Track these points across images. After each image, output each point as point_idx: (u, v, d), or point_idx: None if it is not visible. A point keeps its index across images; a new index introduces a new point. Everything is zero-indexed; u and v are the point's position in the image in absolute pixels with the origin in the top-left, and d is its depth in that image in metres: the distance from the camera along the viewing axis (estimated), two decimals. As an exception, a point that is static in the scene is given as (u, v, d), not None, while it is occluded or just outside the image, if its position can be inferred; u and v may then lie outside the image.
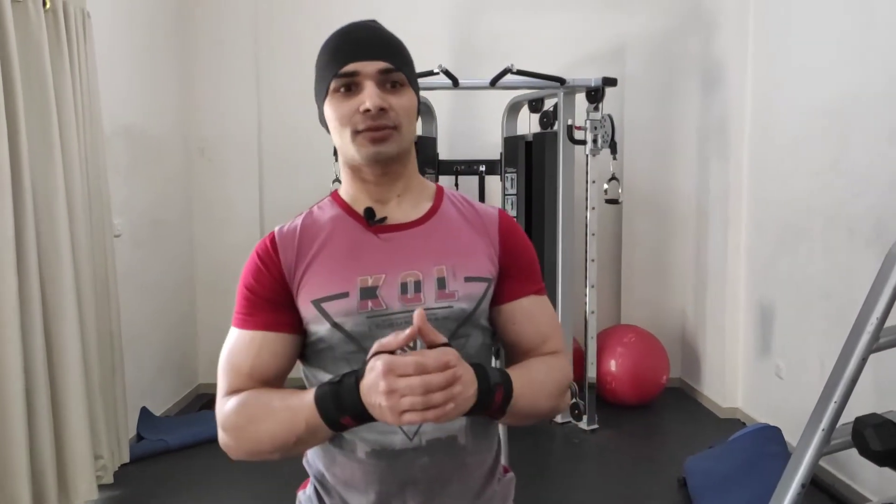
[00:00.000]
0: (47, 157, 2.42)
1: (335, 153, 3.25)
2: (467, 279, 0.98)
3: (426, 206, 1.04)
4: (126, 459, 2.98)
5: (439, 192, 1.07)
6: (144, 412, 3.41)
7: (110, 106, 3.02)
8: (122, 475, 2.90)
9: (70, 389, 2.50)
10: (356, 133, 0.95)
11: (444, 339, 0.83)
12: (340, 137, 0.97)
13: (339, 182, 3.73)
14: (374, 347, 0.82)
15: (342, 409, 0.83)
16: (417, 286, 0.96)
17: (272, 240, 1.00)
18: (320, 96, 1.00)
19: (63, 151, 2.50)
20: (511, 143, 3.88)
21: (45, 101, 2.41)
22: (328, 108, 0.98)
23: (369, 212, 1.00)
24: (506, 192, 3.87)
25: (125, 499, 2.80)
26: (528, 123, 3.96)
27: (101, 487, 2.70)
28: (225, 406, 0.94)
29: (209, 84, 4.09)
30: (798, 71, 3.18)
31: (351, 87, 0.95)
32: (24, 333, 2.29)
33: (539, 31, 4.11)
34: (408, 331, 0.80)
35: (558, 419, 3.60)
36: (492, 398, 0.86)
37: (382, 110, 0.93)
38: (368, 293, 0.95)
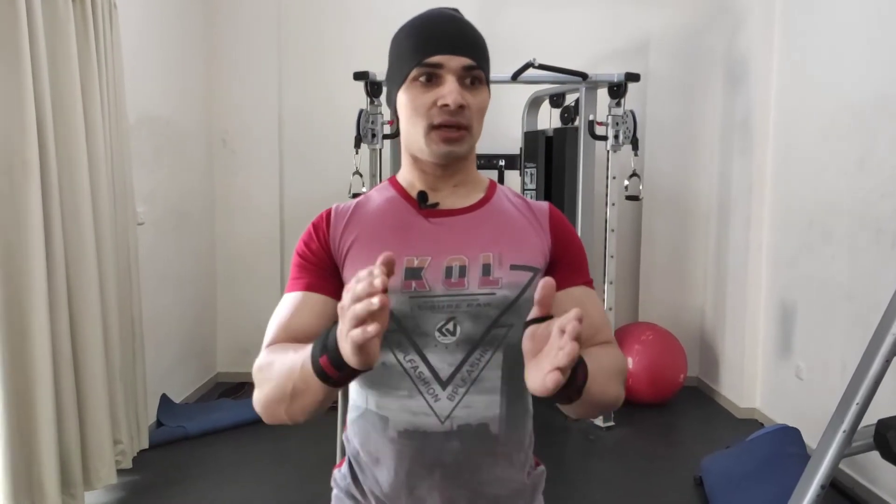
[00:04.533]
0: (73, 145, 2.46)
1: (356, 144, 3.27)
2: (513, 267, 0.99)
3: (479, 196, 1.06)
4: (145, 445, 3.03)
5: (492, 186, 1.09)
6: (164, 399, 3.46)
7: (135, 96, 3.06)
8: (140, 461, 2.94)
9: (93, 375, 2.54)
10: (431, 128, 0.96)
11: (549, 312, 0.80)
12: (412, 126, 0.98)
13: (360, 174, 3.72)
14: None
15: (323, 348, 0.79)
16: (462, 271, 0.97)
17: (328, 213, 1.05)
18: (396, 81, 1.00)
19: (88, 140, 2.54)
20: (531, 137, 3.86)
21: (72, 91, 2.44)
22: (404, 96, 0.98)
23: (422, 195, 1.02)
24: (525, 187, 3.86)
25: (144, 484, 2.84)
26: (548, 118, 3.94)
27: (120, 472, 2.74)
28: (260, 356, 0.95)
29: (232, 75, 4.12)
30: (824, 68, 3.12)
31: (432, 77, 0.95)
32: (52, 319, 2.33)
33: (562, 26, 4.09)
34: (379, 260, 0.73)
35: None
36: (578, 372, 0.81)
37: (461, 107, 0.94)
38: (413, 274, 0.96)
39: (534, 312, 0.81)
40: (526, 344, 0.81)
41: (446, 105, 0.93)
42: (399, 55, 0.99)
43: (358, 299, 0.71)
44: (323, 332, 0.82)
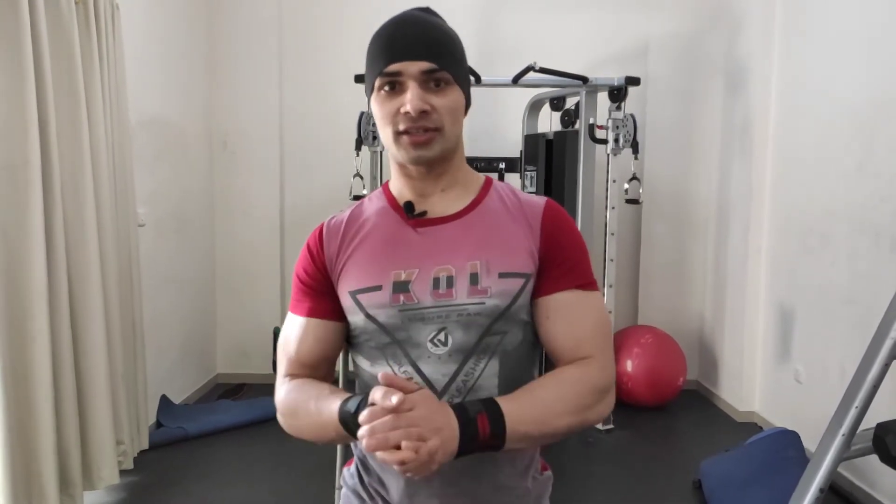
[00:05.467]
0: (76, 146, 2.46)
1: (357, 147, 3.28)
2: (501, 275, 0.97)
3: (469, 198, 1.04)
4: (145, 446, 3.03)
5: (486, 185, 1.07)
6: (164, 400, 3.46)
7: (136, 98, 3.06)
8: (141, 461, 2.95)
9: (94, 375, 2.54)
10: (398, 134, 0.96)
11: (416, 387, 0.87)
12: (384, 135, 0.99)
13: (360, 177, 3.72)
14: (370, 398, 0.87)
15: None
16: (450, 281, 0.97)
17: (321, 231, 1.06)
18: (368, 90, 1.01)
19: (91, 141, 2.54)
20: (531, 140, 3.87)
21: (75, 92, 2.45)
22: (374, 105, 0.99)
23: (409, 206, 1.02)
24: (525, 190, 3.87)
25: (145, 484, 2.84)
26: (549, 121, 3.95)
27: (122, 473, 2.73)
28: (280, 391, 1.04)
29: (233, 78, 4.13)
30: (824, 72, 3.13)
31: (395, 85, 0.95)
32: (52, 320, 2.33)
33: (562, 30, 4.10)
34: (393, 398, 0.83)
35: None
36: (475, 428, 0.85)
37: (424, 112, 0.94)
38: (401, 287, 0.97)
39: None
40: None
41: (408, 112, 0.94)
42: (367, 65, 1.00)
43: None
44: (348, 412, 0.90)
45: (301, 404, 0.99)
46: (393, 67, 0.94)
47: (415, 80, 0.94)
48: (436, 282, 0.97)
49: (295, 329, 1.05)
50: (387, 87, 0.96)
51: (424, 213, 1.02)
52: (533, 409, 0.90)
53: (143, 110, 3.25)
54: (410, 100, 0.93)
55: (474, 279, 0.97)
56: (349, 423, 0.90)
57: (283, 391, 1.02)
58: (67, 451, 2.42)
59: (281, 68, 4.15)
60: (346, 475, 1.12)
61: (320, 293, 1.03)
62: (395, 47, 0.95)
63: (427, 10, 1.02)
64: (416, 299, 0.96)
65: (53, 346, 2.33)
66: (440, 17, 1.02)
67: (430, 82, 0.95)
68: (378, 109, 0.98)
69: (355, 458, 1.10)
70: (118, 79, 2.78)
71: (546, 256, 1.00)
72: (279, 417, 1.03)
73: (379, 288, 0.97)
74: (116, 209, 2.75)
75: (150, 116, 3.35)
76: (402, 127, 0.95)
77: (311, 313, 1.03)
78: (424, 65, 0.94)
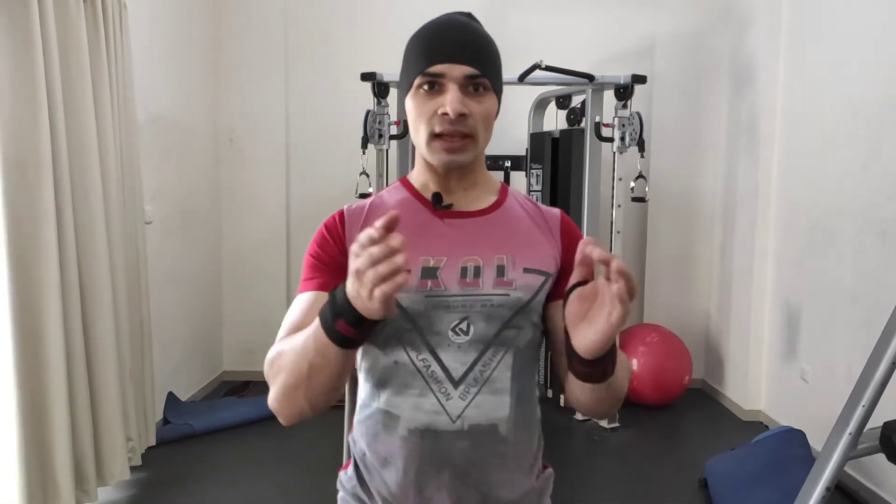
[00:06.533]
0: (84, 143, 2.47)
1: (363, 145, 3.28)
2: (526, 270, 1.01)
3: (491, 199, 1.08)
4: (153, 442, 3.05)
5: (504, 189, 1.12)
6: (171, 397, 3.47)
7: (143, 95, 3.07)
8: (148, 457, 2.96)
9: (105, 373, 2.56)
10: (433, 136, 0.98)
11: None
12: (417, 133, 1.00)
13: (367, 174, 3.72)
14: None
15: (336, 314, 0.81)
16: (477, 271, 0.99)
17: (340, 215, 1.05)
18: (404, 87, 1.02)
19: (99, 139, 2.55)
20: (537, 138, 3.87)
21: (83, 90, 2.46)
22: (410, 102, 1.00)
23: (437, 196, 1.04)
24: (531, 189, 3.87)
25: (153, 480, 2.86)
26: (555, 119, 3.94)
27: (131, 469, 2.75)
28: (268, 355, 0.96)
29: (239, 75, 4.14)
30: (830, 71, 3.12)
31: (435, 86, 0.97)
32: (65, 316, 2.35)
33: (568, 28, 4.10)
34: (382, 222, 0.76)
35: (578, 416, 3.60)
36: (613, 347, 0.87)
37: (462, 116, 0.96)
38: (429, 273, 0.98)
39: (575, 276, 0.86)
40: (572, 307, 0.85)
41: (446, 114, 0.95)
42: (408, 62, 1.01)
43: (377, 261, 0.74)
44: (327, 303, 0.84)
45: (289, 340, 0.92)
46: (436, 68, 0.96)
47: (456, 83, 0.96)
48: (463, 271, 0.99)
49: (301, 303, 0.99)
50: (426, 87, 0.98)
51: (451, 205, 1.04)
52: (619, 364, 0.93)
53: (150, 107, 3.26)
54: (451, 101, 0.95)
55: (501, 271, 1.00)
56: (328, 306, 0.83)
57: (272, 349, 0.95)
58: (82, 446, 2.44)
59: (287, 65, 4.15)
60: (343, 479, 1.11)
61: (334, 269, 1.00)
62: (441, 49, 0.97)
63: (469, 16, 1.04)
64: (444, 286, 0.98)
65: (66, 342, 2.35)
66: (481, 24, 1.05)
67: (469, 87, 0.97)
68: (414, 108, 0.99)
69: (353, 460, 1.09)
70: (125, 76, 2.79)
71: (566, 263, 1.05)
72: (268, 380, 0.94)
73: (407, 272, 0.97)
74: (124, 206, 2.77)
75: (156, 113, 3.36)
76: (437, 129, 0.97)
77: (322, 288, 0.99)
78: (468, 69, 0.96)
